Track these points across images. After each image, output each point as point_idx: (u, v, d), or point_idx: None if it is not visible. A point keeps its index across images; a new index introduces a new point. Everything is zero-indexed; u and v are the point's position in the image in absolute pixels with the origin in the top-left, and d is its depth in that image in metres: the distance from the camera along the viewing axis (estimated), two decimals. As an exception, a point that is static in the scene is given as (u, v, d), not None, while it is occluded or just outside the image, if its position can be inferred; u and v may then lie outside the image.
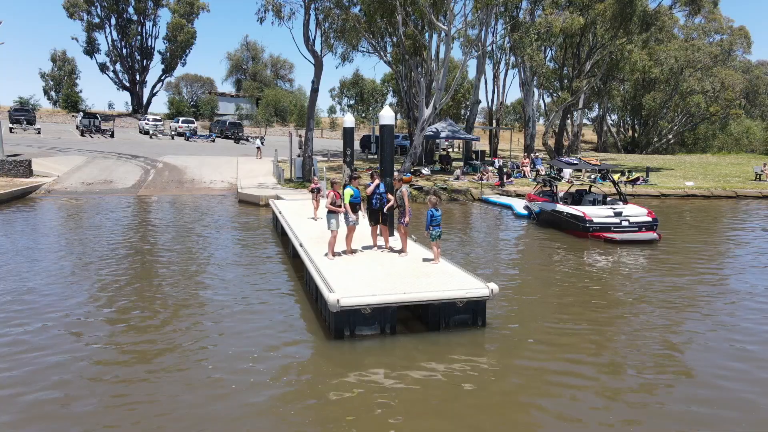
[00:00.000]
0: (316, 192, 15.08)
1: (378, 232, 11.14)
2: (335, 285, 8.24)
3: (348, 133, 19.24)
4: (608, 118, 68.18)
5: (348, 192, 10.38)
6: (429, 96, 30.04)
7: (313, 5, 27.29)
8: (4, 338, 7.81)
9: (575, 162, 19.37)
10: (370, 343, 7.82)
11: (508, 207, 21.74)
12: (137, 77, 67.26)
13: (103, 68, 65.24)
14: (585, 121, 64.23)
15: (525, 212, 19.59)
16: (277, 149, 31.36)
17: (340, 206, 10.34)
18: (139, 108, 67.89)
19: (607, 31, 35.44)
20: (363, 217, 11.72)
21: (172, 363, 7.14)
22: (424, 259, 10.10)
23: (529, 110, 41.80)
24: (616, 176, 26.11)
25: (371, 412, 6.03)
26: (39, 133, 43.99)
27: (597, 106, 63.12)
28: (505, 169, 28.18)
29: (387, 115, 12.10)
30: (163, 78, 69.81)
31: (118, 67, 65.74)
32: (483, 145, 44.48)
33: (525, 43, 31.74)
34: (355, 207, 10.52)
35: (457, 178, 28.29)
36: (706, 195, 26.61)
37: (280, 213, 14.99)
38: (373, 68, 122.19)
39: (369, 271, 9.28)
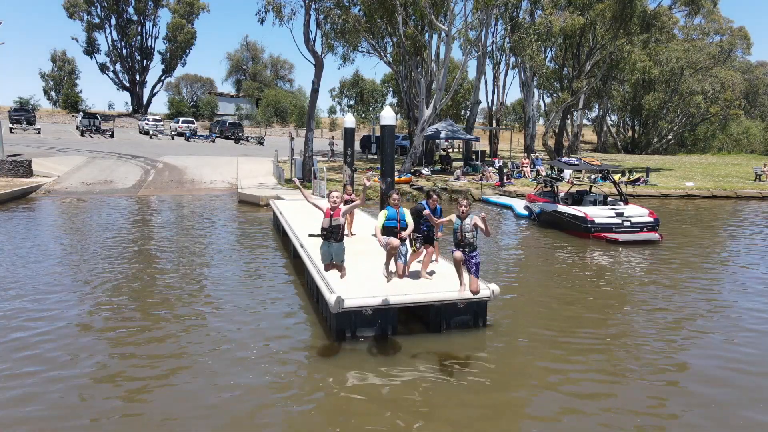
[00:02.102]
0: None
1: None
2: (336, 286, 8.21)
3: (348, 134, 19.25)
4: (608, 118, 68.30)
5: (382, 214, 8.37)
6: (429, 96, 30.05)
7: (313, 5, 27.30)
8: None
9: (576, 162, 19.35)
10: (370, 345, 7.80)
11: (509, 207, 21.73)
12: (137, 77, 67.31)
13: (103, 68, 65.33)
14: (585, 121, 64.33)
15: (525, 212, 19.58)
16: (278, 149, 31.35)
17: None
18: (139, 108, 67.91)
19: (607, 31, 35.48)
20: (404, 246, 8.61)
21: (170, 362, 7.10)
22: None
23: (529, 111, 41.84)
24: (616, 177, 26.11)
25: (372, 414, 6.00)
26: (39, 133, 44.01)
27: (597, 106, 63.23)
28: (505, 170, 28.17)
29: (388, 116, 12.09)
30: (163, 78, 69.95)
31: (118, 67, 65.88)
32: (483, 145, 44.48)
33: (525, 44, 31.81)
34: (393, 231, 8.24)
35: (458, 179, 28.28)
36: (706, 195, 26.60)
37: (280, 213, 14.97)
38: (373, 68, 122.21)
39: (370, 271, 9.25)
